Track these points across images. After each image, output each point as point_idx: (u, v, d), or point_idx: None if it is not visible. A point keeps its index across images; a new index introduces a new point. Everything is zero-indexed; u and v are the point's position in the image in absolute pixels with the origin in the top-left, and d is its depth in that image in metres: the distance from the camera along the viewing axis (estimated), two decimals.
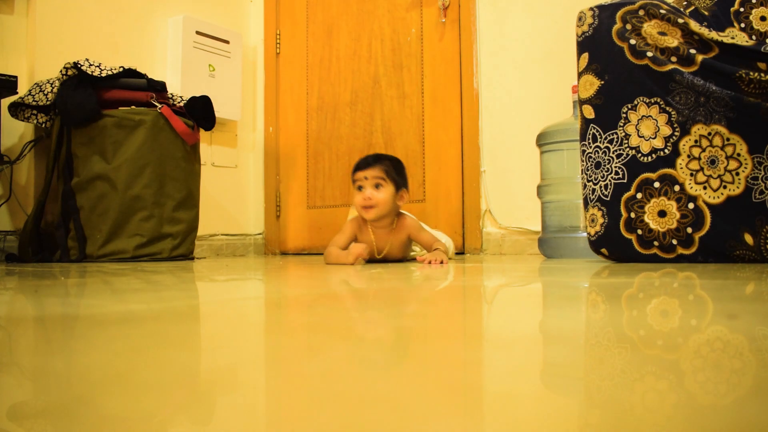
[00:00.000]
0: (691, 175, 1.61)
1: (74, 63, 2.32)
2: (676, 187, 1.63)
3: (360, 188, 1.95)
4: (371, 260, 2.00)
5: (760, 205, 1.54)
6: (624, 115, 1.70)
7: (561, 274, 1.35)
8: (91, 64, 2.34)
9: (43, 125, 2.38)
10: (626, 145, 1.70)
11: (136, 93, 2.44)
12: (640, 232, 1.67)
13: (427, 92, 3.02)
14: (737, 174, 1.56)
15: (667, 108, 1.64)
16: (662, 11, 1.66)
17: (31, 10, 2.53)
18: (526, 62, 2.77)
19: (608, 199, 1.72)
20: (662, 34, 1.65)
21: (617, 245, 1.71)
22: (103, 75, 2.35)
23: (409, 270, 1.55)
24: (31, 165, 2.52)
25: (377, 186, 1.93)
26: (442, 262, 1.84)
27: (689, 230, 1.61)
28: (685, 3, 1.76)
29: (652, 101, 1.66)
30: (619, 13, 1.71)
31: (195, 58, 2.99)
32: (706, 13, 1.72)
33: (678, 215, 1.62)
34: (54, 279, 1.33)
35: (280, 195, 3.38)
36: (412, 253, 2.18)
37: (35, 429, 0.29)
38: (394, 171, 1.96)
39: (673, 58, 1.63)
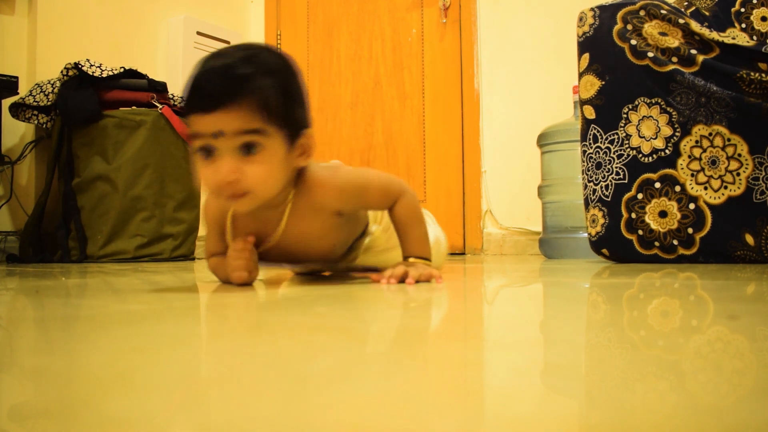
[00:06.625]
0: (692, 175, 1.61)
1: (75, 63, 2.32)
2: (677, 188, 1.62)
3: (207, 151, 0.86)
4: (308, 272, 1.26)
5: (760, 205, 1.54)
6: (625, 116, 1.70)
7: (562, 275, 1.35)
8: (91, 65, 2.34)
9: (44, 126, 2.38)
10: (627, 146, 1.69)
11: (136, 93, 2.44)
12: (640, 232, 1.67)
13: (427, 93, 3.02)
14: (738, 174, 1.56)
15: (668, 108, 1.64)
16: (663, 11, 1.66)
17: (32, 10, 2.53)
18: (527, 62, 2.77)
19: (609, 199, 1.72)
20: (663, 34, 1.65)
21: (618, 246, 1.71)
22: (104, 75, 2.35)
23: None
24: (31, 165, 2.52)
25: (248, 149, 0.85)
26: (418, 281, 1.00)
27: (690, 231, 1.60)
28: (685, 3, 1.76)
29: (653, 102, 1.65)
30: (620, 14, 1.71)
31: (196, 58, 2.96)
32: (706, 13, 1.72)
33: (679, 216, 1.62)
34: (55, 279, 1.33)
35: None
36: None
37: (35, 429, 0.29)
38: (281, 103, 0.87)
39: (674, 59, 1.63)
